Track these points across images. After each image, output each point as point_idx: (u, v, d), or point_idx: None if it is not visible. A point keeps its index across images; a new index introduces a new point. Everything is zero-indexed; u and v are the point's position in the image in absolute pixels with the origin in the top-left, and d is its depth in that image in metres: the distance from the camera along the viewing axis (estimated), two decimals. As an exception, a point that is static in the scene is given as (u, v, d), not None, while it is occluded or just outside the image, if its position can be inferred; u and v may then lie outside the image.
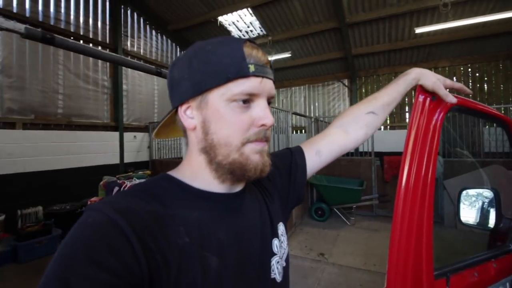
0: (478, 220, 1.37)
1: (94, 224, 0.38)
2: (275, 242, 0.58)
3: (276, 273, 0.56)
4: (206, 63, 0.47)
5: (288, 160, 0.71)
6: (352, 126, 0.76)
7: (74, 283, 0.33)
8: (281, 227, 0.62)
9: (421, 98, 0.76)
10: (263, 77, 0.48)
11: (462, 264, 0.97)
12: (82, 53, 1.45)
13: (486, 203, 1.36)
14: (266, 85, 0.49)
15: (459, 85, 0.77)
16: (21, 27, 1.17)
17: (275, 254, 0.57)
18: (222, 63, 0.46)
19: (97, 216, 0.39)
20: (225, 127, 0.47)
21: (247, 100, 0.47)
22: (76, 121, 5.28)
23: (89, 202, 3.64)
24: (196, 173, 0.51)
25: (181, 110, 0.51)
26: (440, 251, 1.02)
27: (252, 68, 0.46)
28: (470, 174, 4.14)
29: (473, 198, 1.41)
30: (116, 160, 6.00)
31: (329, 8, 6.45)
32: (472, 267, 0.99)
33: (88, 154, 5.40)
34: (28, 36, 1.19)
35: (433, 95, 0.76)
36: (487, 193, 1.35)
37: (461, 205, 1.38)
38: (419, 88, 0.76)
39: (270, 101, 0.52)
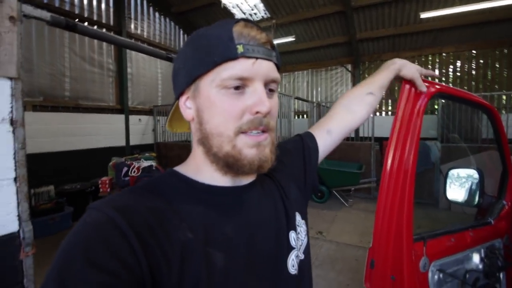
0: (463, 197, 1.49)
1: (92, 224, 0.38)
2: (292, 235, 0.55)
3: (296, 268, 0.53)
4: (196, 49, 0.45)
5: (300, 145, 0.71)
6: (356, 105, 0.80)
7: (70, 285, 0.32)
8: (297, 217, 0.59)
9: (407, 86, 0.87)
10: (257, 58, 0.43)
11: (440, 231, 1.12)
12: (100, 39, 1.56)
13: (471, 182, 1.48)
14: (261, 67, 0.44)
15: (431, 72, 0.90)
16: (47, 15, 1.28)
17: (293, 248, 0.54)
18: (209, 47, 0.43)
19: (96, 215, 0.39)
20: (217, 116, 0.44)
21: (240, 85, 0.43)
22: (83, 104, 5.40)
23: (99, 181, 3.83)
24: (199, 166, 0.49)
25: (182, 101, 0.50)
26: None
27: (240, 48, 0.42)
28: (465, 159, 4.27)
29: (460, 178, 1.53)
30: (122, 143, 6.17)
31: (335, -10, 6.37)
32: (450, 234, 1.14)
33: (95, 136, 5.55)
34: (53, 23, 1.30)
35: None
36: (472, 173, 1.47)
37: (448, 184, 1.50)
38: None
39: (271, 86, 0.47)
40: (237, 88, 0.43)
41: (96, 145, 5.56)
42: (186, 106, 0.49)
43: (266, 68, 0.45)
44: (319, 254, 3.28)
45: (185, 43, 0.49)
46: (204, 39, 0.45)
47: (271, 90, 0.47)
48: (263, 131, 0.46)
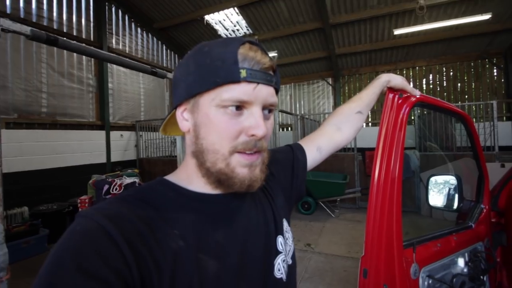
0: (444, 203, 1.54)
1: (83, 231, 0.37)
2: (280, 240, 0.57)
3: (283, 272, 0.54)
4: (200, 65, 0.45)
5: (290, 156, 0.72)
6: (345, 124, 0.83)
7: None
8: (285, 224, 0.61)
9: (390, 96, 0.91)
10: (258, 83, 0.44)
11: (427, 237, 1.15)
12: (82, 53, 1.53)
13: (450, 188, 1.54)
14: (261, 92, 0.45)
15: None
16: (27, 29, 1.24)
17: (280, 253, 0.55)
18: (213, 66, 0.44)
19: (86, 223, 0.38)
20: (214, 133, 0.45)
21: (239, 106, 0.44)
22: (61, 120, 5.20)
23: (78, 201, 3.64)
24: (191, 176, 0.50)
25: (179, 111, 0.50)
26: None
27: (243, 73, 0.43)
28: (443, 166, 4.45)
29: (440, 184, 1.59)
30: (103, 159, 5.95)
31: (313, 9, 6.66)
32: (436, 239, 1.17)
33: (74, 154, 5.33)
34: (33, 38, 1.26)
35: (400, 93, 0.92)
36: (451, 179, 1.53)
37: (430, 190, 1.55)
38: (388, 88, 0.91)
39: (270, 108, 0.48)
40: (237, 109, 0.44)
41: (75, 163, 5.33)
42: (183, 117, 0.50)
43: (266, 93, 0.46)
44: (308, 266, 3.25)
45: (188, 55, 0.49)
46: (208, 57, 0.45)
47: (269, 111, 0.49)
48: (256, 152, 0.47)
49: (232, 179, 0.46)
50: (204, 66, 0.45)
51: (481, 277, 1.19)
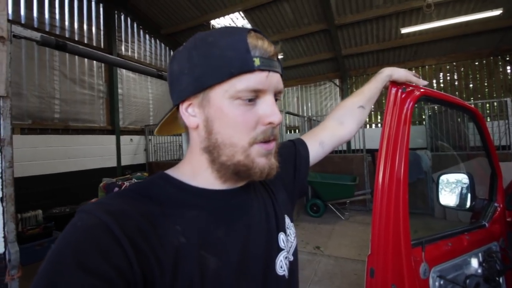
0: (455, 202, 1.50)
1: (84, 227, 0.37)
2: (281, 236, 0.56)
3: (285, 269, 0.54)
4: (207, 57, 0.43)
5: (292, 151, 0.72)
6: (348, 118, 0.83)
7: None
8: (287, 220, 0.60)
9: (393, 90, 0.90)
10: (269, 71, 0.44)
11: (437, 236, 1.11)
12: (90, 58, 1.57)
13: (462, 187, 1.49)
14: (273, 79, 0.45)
15: (415, 74, 0.94)
16: (37, 35, 1.29)
17: (282, 250, 0.55)
18: (224, 57, 0.42)
19: (87, 218, 0.38)
20: (230, 127, 0.44)
21: (253, 97, 0.44)
22: (73, 125, 5.34)
23: (89, 204, 3.71)
24: (197, 172, 0.49)
25: (182, 107, 0.48)
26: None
27: (257, 61, 0.42)
28: (456, 167, 4.33)
29: (451, 183, 1.55)
30: (113, 163, 6.06)
31: (318, 10, 6.65)
32: (447, 238, 1.13)
33: (85, 158, 5.46)
34: (43, 43, 1.31)
35: (403, 87, 0.90)
36: (463, 178, 1.48)
37: (440, 190, 1.51)
38: (391, 82, 0.90)
39: (277, 96, 0.48)
40: (250, 100, 0.44)
41: (86, 167, 5.45)
42: (189, 113, 0.48)
43: (276, 80, 0.47)
44: (317, 269, 3.20)
45: (189, 47, 0.47)
46: (216, 48, 0.43)
47: (276, 99, 0.49)
48: (273, 140, 0.48)
49: (253, 169, 0.46)
50: (214, 57, 0.43)
51: (497, 278, 1.15)
